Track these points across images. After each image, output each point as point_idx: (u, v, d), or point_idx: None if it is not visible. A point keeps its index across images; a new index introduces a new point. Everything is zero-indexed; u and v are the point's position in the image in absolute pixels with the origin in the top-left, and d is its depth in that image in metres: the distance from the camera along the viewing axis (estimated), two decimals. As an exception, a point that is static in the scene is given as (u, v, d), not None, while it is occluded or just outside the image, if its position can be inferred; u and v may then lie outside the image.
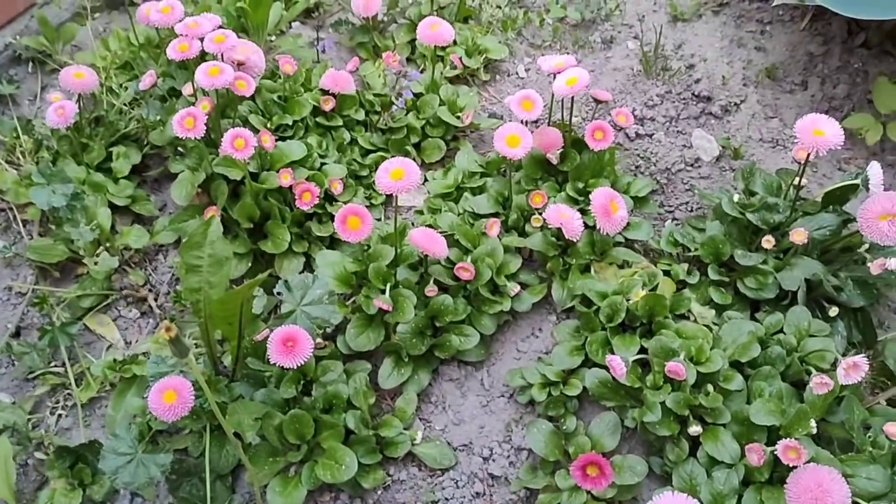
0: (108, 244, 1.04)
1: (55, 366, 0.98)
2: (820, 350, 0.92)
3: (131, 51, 1.21)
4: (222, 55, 1.01)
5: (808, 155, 0.92)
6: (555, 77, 1.00)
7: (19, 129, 1.15)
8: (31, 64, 1.26)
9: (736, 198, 1.04)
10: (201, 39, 0.99)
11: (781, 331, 0.95)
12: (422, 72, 1.16)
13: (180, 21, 1.02)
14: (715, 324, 0.98)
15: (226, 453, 0.88)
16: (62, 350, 0.97)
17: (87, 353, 1.00)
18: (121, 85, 1.18)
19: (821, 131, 0.90)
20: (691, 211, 1.17)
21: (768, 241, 0.98)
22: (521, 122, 1.01)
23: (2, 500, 0.85)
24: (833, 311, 0.98)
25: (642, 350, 0.91)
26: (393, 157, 1.14)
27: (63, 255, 1.03)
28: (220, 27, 1.08)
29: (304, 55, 1.26)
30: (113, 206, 1.09)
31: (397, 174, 0.89)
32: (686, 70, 1.32)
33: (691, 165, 1.20)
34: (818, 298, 1.00)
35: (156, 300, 1.06)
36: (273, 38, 1.32)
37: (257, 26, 1.22)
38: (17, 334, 1.02)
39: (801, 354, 0.92)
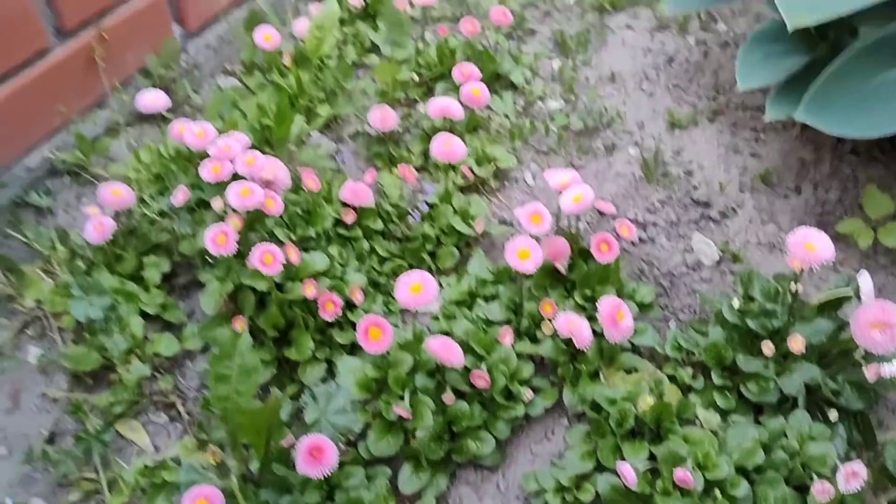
0: (139, 352, 1.09)
1: (89, 472, 1.02)
2: (821, 454, 0.96)
3: (162, 163, 1.28)
4: (251, 175, 1.08)
5: (802, 269, 0.98)
6: (561, 193, 1.08)
7: (55, 239, 1.22)
8: (66, 176, 1.33)
9: (736, 303, 1.10)
10: (232, 161, 1.07)
11: (784, 435, 1.00)
12: (435, 181, 1.23)
13: (213, 144, 1.09)
14: (721, 428, 1.02)
15: (253, 560, 0.91)
16: (95, 457, 1.01)
17: (118, 458, 1.04)
18: (152, 196, 1.25)
19: (812, 246, 0.96)
20: (694, 313, 1.22)
21: (768, 348, 1.03)
22: (530, 235, 1.07)
23: None
24: (833, 415, 1.02)
25: (652, 456, 0.96)
26: (410, 265, 1.20)
27: (97, 362, 1.08)
28: (249, 146, 1.17)
29: (323, 164, 1.34)
30: (145, 315, 1.15)
31: (416, 289, 0.95)
32: (685, 176, 1.39)
33: (693, 269, 1.27)
34: (818, 402, 1.05)
35: (184, 405, 1.11)
36: (294, 148, 1.40)
37: (280, 140, 1.30)
38: (51, 440, 1.06)
39: (803, 459, 0.96)
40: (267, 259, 1.00)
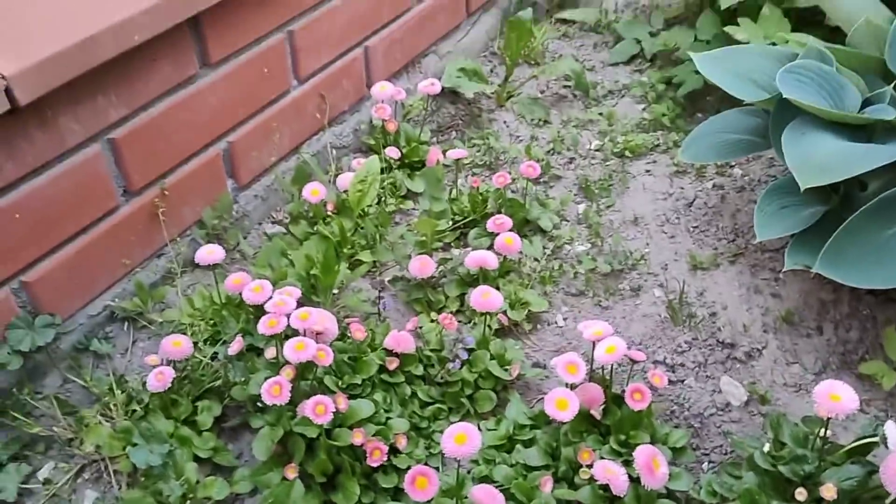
0: (191, 496, 1.14)
1: None
2: None
3: (214, 310, 1.37)
4: (304, 330, 1.16)
5: (829, 419, 1.03)
6: (594, 345, 1.14)
7: (113, 384, 1.29)
8: (125, 322, 1.42)
9: (766, 447, 1.14)
10: (287, 315, 1.15)
11: (822, 583, 1.02)
12: (471, 324, 1.29)
13: (269, 301, 1.18)
14: (759, 575, 1.05)
15: None
16: None
17: None
18: (205, 341, 1.33)
19: (837, 397, 1.01)
20: (726, 454, 1.26)
21: (801, 494, 1.06)
22: (566, 384, 1.13)
23: None
24: (869, 562, 1.04)
25: None
26: (449, 408, 1.26)
27: (152, 507, 1.13)
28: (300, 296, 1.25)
29: (365, 310, 1.42)
30: (196, 458, 1.20)
31: (461, 439, 1.00)
32: (709, 317, 1.46)
33: (722, 410, 1.31)
34: (853, 548, 1.07)
35: (233, 550, 1.14)
36: (336, 291, 1.48)
37: (326, 288, 1.38)
38: (104, 587, 1.10)
39: None
40: (319, 410, 1.06)
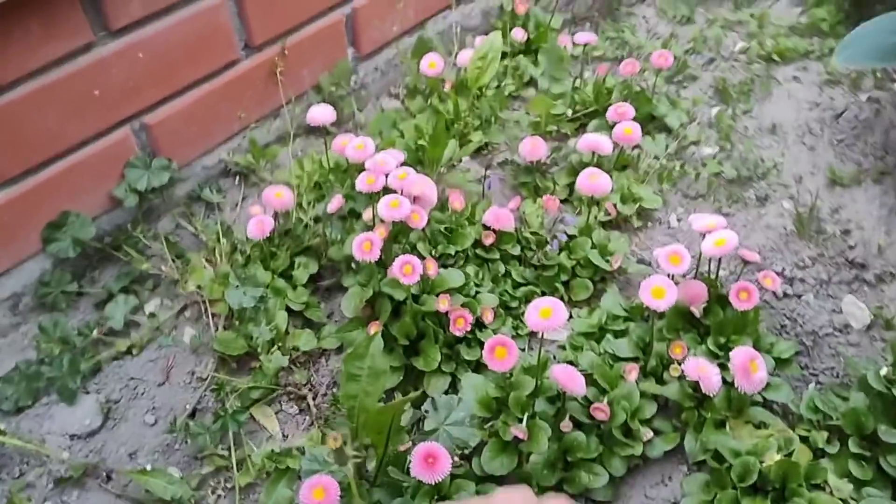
0: (280, 344, 1.17)
1: (222, 449, 1.10)
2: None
3: (321, 173, 1.37)
4: (402, 189, 1.14)
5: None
6: (704, 236, 1.06)
7: (220, 232, 1.32)
8: (237, 177, 1.45)
9: (884, 371, 1.04)
10: (386, 175, 1.13)
11: (924, 516, 0.93)
12: (578, 214, 1.24)
13: (370, 157, 1.16)
14: (853, 499, 0.97)
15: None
16: (230, 435, 1.09)
17: (249, 440, 1.12)
18: (310, 202, 1.34)
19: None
20: (836, 377, 1.16)
21: (915, 421, 0.97)
22: (668, 275, 1.06)
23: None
24: None
25: (771, 515, 0.92)
26: (543, 292, 1.22)
27: (242, 349, 1.17)
28: (403, 162, 1.23)
29: (470, 188, 1.38)
30: (289, 310, 1.22)
31: (546, 313, 0.96)
32: (841, 234, 1.33)
33: (840, 331, 1.21)
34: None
35: (314, 400, 1.17)
36: (444, 170, 1.45)
37: (433, 160, 1.35)
38: (192, 415, 1.15)
39: (943, 545, 0.90)
40: (406, 270, 1.05)
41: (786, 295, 1.25)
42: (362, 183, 1.13)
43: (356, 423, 0.97)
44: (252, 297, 1.15)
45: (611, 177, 1.27)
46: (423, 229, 1.18)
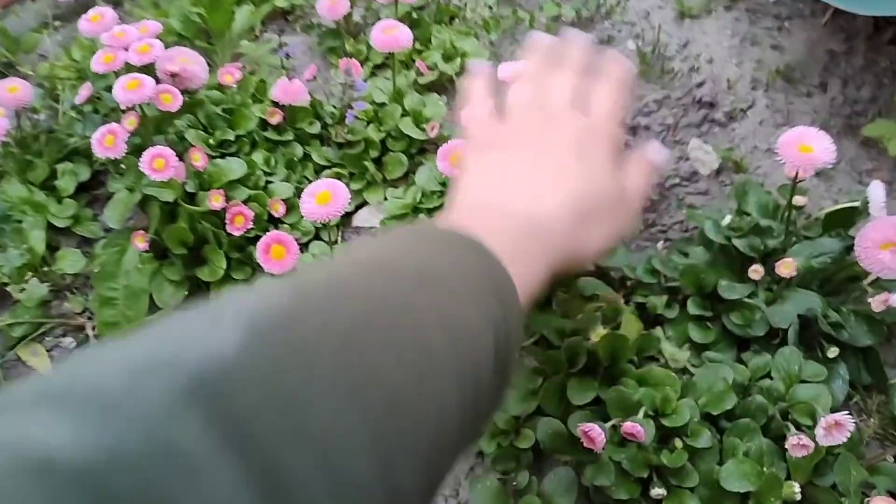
0: (39, 269, 0.98)
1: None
2: (812, 398, 0.79)
3: (85, 59, 1.14)
4: (155, 66, 0.93)
5: (797, 175, 0.79)
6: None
7: (-31, 144, 1.10)
8: (-10, 76, 1.21)
9: (727, 220, 0.92)
10: (127, 49, 0.92)
11: (768, 375, 0.83)
12: (365, 81, 1.06)
13: (107, 31, 0.94)
14: (693, 365, 0.86)
15: None
16: (-11, 383, 0.92)
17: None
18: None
19: (808, 147, 0.77)
20: (686, 231, 1.04)
21: (755, 272, 0.85)
22: (476, 136, 0.90)
23: None
24: (833, 352, 0.84)
25: (598, 400, 0.80)
26: (351, 174, 1.05)
27: (-8, 282, 0.97)
28: (173, 37, 1.02)
29: (271, 62, 1.18)
30: (55, 228, 1.03)
31: (324, 198, 0.80)
32: (688, 72, 1.19)
33: (687, 180, 1.08)
34: (818, 337, 0.87)
35: (94, 329, 0.99)
36: (246, 43, 1.24)
37: (218, 32, 1.14)
38: (-56, 365, 0.96)
39: (788, 404, 0.80)
40: (158, 164, 0.86)
41: (627, 146, 1.11)
42: (99, 63, 0.92)
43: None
44: (-6, 221, 0.95)
45: (430, 34, 1.09)
46: (195, 112, 0.98)
